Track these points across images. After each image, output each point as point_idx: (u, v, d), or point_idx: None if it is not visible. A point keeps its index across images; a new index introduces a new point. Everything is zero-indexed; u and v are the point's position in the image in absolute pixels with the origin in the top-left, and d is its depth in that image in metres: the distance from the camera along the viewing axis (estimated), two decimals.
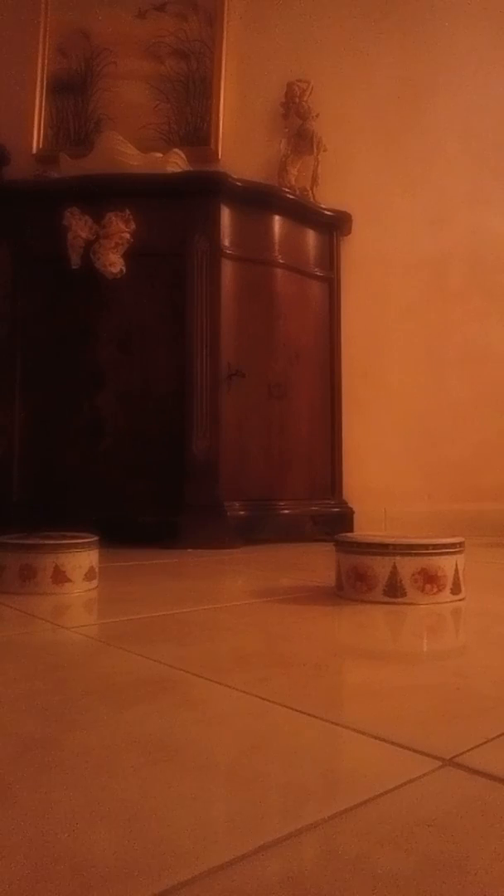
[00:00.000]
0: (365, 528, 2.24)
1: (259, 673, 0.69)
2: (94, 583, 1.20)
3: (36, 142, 2.56)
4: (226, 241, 2.09)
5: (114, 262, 2.01)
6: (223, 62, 2.54)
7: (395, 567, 1.04)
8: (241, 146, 2.52)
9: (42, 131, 2.57)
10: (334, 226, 2.38)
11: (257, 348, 2.14)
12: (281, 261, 2.20)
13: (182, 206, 2.07)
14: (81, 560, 1.17)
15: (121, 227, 2.01)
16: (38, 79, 2.57)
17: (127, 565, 1.55)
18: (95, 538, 1.22)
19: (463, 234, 2.49)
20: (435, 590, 1.05)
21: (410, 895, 0.32)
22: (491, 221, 2.50)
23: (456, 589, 1.07)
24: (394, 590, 1.04)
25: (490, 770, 0.46)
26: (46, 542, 1.17)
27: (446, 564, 1.06)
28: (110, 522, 1.64)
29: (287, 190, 2.30)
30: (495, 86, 2.52)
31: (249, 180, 2.17)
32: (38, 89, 2.57)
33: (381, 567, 1.05)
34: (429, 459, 2.44)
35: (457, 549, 1.08)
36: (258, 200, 2.16)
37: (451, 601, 1.06)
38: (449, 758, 0.48)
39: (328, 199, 2.40)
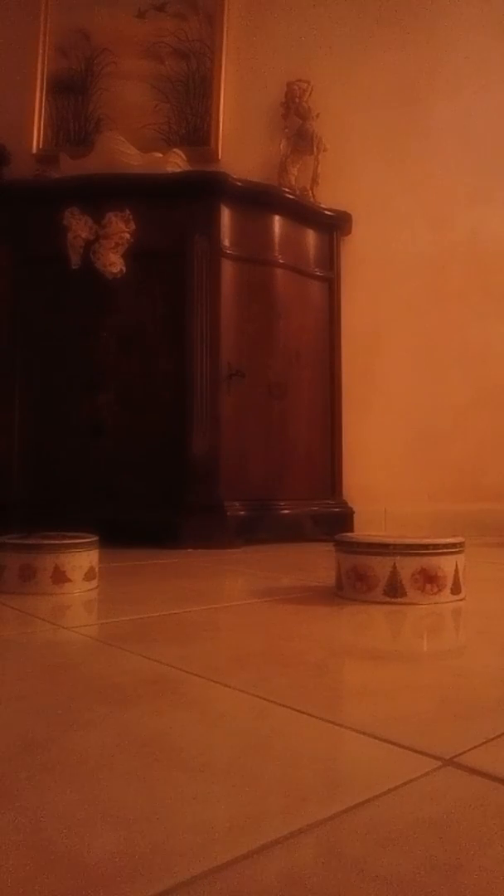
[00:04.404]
0: (365, 528, 2.23)
1: (259, 673, 0.69)
2: (94, 583, 1.20)
3: (36, 142, 2.56)
4: (226, 241, 2.09)
5: (114, 262, 2.01)
6: (223, 62, 2.54)
7: (395, 567, 1.04)
8: (241, 146, 2.52)
9: (42, 131, 2.57)
10: (334, 226, 2.38)
11: (257, 348, 2.14)
12: (281, 261, 2.20)
13: (182, 206, 2.07)
14: (81, 560, 1.17)
15: (121, 227, 2.01)
16: (38, 79, 2.57)
17: (127, 565, 1.55)
18: (95, 538, 1.22)
19: (463, 234, 2.49)
20: (435, 590, 1.05)
21: (410, 895, 0.32)
22: (491, 221, 2.49)
23: (456, 589, 1.07)
24: (394, 590, 1.04)
25: (490, 770, 0.46)
26: (46, 542, 1.17)
27: (446, 564, 1.06)
28: (110, 522, 1.64)
29: (287, 190, 2.30)
30: (495, 86, 2.52)
31: (249, 180, 2.17)
32: (38, 89, 2.57)
33: (381, 567, 1.05)
34: (429, 459, 2.44)
35: (457, 549, 1.08)
36: (258, 200, 2.16)
37: (452, 601, 1.06)
38: (449, 758, 0.48)
39: (328, 199, 2.40)
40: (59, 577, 1.14)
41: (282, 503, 2.15)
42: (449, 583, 1.06)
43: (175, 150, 2.28)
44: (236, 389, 2.08)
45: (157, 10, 2.56)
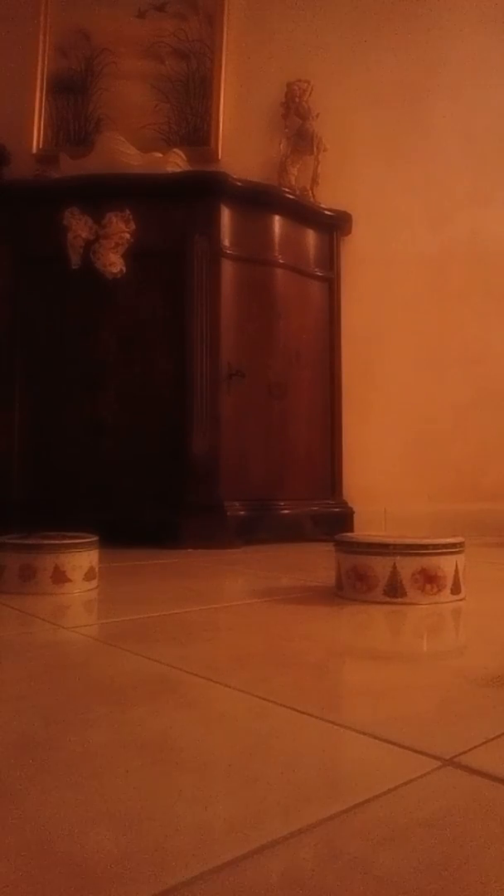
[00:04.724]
0: (365, 528, 2.23)
1: (259, 673, 0.69)
2: (94, 583, 1.20)
3: (36, 142, 2.56)
4: (226, 241, 2.09)
5: (114, 262, 2.01)
6: (223, 62, 2.54)
7: (395, 567, 1.04)
8: (241, 146, 2.52)
9: (42, 131, 2.57)
10: (334, 226, 2.38)
11: (257, 348, 2.14)
12: (281, 261, 2.20)
13: (182, 206, 2.07)
14: (81, 560, 1.17)
15: (121, 227, 2.01)
16: (38, 79, 2.57)
17: (127, 565, 1.55)
18: (95, 538, 1.22)
19: (463, 234, 2.49)
20: (435, 590, 1.05)
21: (411, 895, 0.32)
22: (491, 221, 2.49)
23: (456, 589, 1.07)
24: (394, 590, 1.04)
25: (490, 770, 0.46)
26: (46, 542, 1.17)
27: (446, 564, 1.06)
28: (110, 522, 1.64)
29: (287, 190, 2.30)
30: (495, 86, 2.52)
31: (249, 180, 2.17)
32: (38, 89, 2.57)
33: (381, 567, 1.05)
34: (429, 459, 2.44)
35: (457, 549, 1.08)
36: (258, 200, 2.16)
37: (452, 601, 1.06)
38: (449, 758, 0.48)
39: (328, 199, 2.40)
40: (59, 577, 1.14)
41: (282, 503, 2.15)
42: (449, 583, 1.06)
43: (175, 150, 2.28)
44: (236, 389, 2.08)
45: (157, 10, 2.56)
